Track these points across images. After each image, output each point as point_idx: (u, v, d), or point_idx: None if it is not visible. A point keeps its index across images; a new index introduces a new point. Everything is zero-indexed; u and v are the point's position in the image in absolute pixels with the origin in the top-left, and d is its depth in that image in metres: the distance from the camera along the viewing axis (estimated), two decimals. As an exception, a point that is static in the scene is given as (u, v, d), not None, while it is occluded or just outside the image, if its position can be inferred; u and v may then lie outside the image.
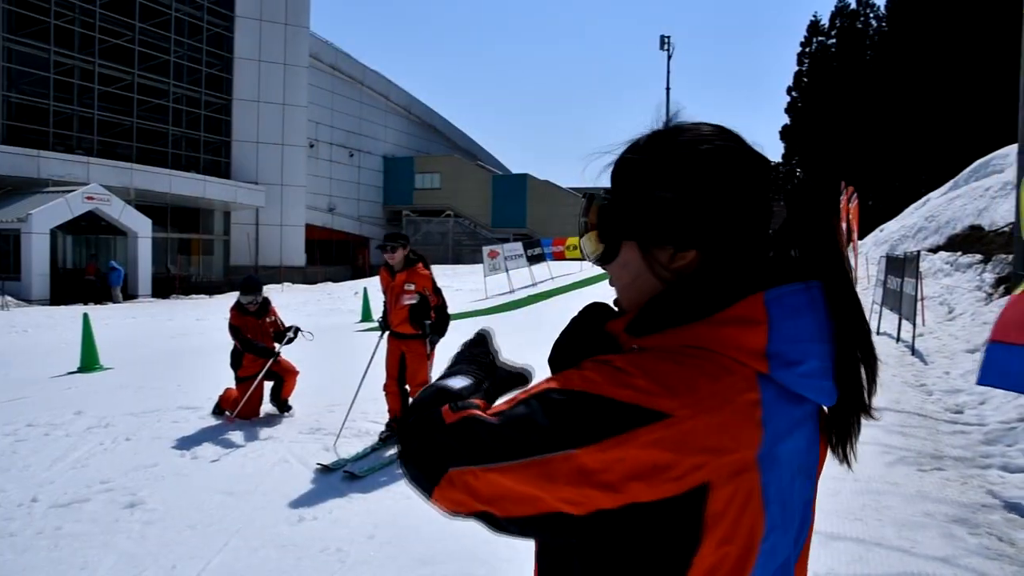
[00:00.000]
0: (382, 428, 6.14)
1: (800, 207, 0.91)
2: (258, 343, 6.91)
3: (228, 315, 7.06)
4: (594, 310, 0.99)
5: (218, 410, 6.88)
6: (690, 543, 0.79)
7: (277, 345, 7.06)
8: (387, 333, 6.14)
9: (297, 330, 7.19)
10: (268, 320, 7.10)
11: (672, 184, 0.88)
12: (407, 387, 6.10)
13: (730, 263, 0.88)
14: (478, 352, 1.07)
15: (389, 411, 6.15)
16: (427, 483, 0.83)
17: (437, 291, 6.03)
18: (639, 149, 0.93)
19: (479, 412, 0.84)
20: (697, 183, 0.88)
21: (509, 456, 0.78)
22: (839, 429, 0.93)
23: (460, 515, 0.84)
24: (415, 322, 5.83)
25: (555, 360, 0.97)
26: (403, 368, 6.05)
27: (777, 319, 0.83)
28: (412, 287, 5.88)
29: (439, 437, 0.83)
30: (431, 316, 5.89)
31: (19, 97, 27.31)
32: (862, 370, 0.90)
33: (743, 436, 0.79)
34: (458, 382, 0.96)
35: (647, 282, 0.91)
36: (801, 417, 0.87)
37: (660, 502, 0.76)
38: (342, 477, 5.11)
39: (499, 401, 0.88)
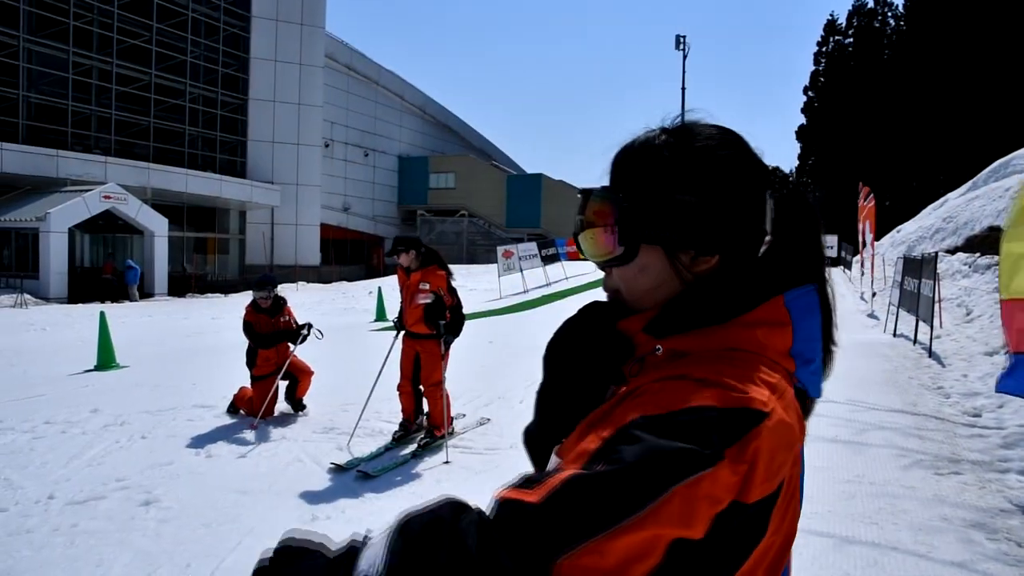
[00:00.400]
0: (395, 428, 6.15)
1: (789, 212, 0.93)
2: (268, 334, 6.94)
3: (243, 313, 7.10)
4: (595, 309, 0.98)
5: (233, 409, 6.92)
6: (757, 537, 0.77)
7: (292, 345, 7.09)
8: (402, 333, 6.15)
9: (310, 326, 7.21)
10: (282, 320, 7.12)
11: (694, 188, 0.88)
12: (421, 388, 6.11)
13: (750, 265, 0.90)
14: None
15: (402, 411, 6.16)
16: None
17: (452, 291, 6.03)
18: (655, 150, 0.91)
19: (572, 470, 0.68)
20: (717, 187, 0.88)
21: (645, 500, 0.65)
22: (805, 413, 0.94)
23: None
24: (429, 322, 5.81)
25: (553, 359, 0.96)
26: (417, 369, 6.07)
27: (797, 320, 0.86)
28: (427, 287, 5.87)
29: (530, 525, 0.64)
30: (446, 316, 5.87)
31: (39, 97, 27.58)
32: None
33: (798, 430, 0.81)
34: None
35: (669, 285, 0.91)
36: None
37: (757, 503, 0.73)
38: (355, 476, 5.13)
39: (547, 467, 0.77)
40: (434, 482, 5.05)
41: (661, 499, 0.65)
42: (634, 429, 0.71)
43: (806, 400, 0.91)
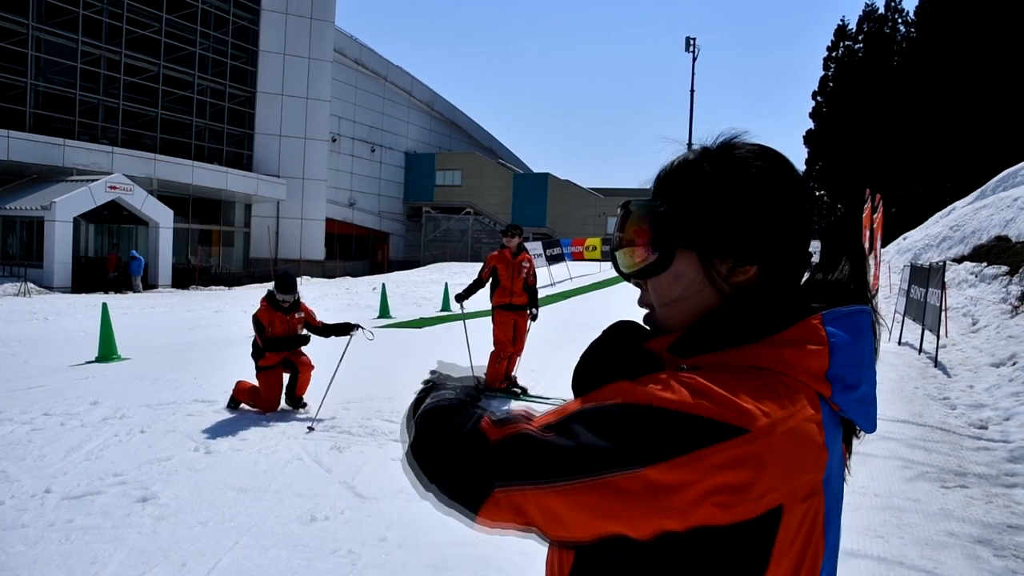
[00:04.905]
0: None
1: (838, 238, 0.92)
2: (280, 337, 6.87)
3: (257, 307, 7.00)
4: (623, 328, 0.94)
5: (233, 403, 6.88)
6: (755, 572, 0.74)
7: (343, 337, 7.14)
8: (498, 308, 7.69)
9: (359, 327, 7.12)
10: (298, 316, 7.05)
11: (734, 197, 0.87)
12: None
13: (787, 282, 0.88)
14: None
15: (507, 371, 7.68)
16: (470, 503, 0.80)
17: (534, 274, 7.86)
18: (694, 164, 0.91)
19: (528, 427, 0.79)
20: (759, 198, 0.87)
21: (567, 475, 0.73)
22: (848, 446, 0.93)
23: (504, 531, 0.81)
24: (529, 290, 7.68)
25: (581, 382, 0.92)
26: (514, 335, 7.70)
27: (837, 342, 0.81)
28: (527, 265, 7.71)
29: (483, 455, 0.79)
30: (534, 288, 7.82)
31: (46, 86, 27.61)
32: None
33: (813, 458, 0.77)
34: (458, 396, 0.92)
35: (702, 296, 0.88)
36: (839, 441, 0.85)
37: (733, 526, 0.71)
38: (355, 476, 5.08)
39: (539, 414, 0.84)
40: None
41: (579, 481, 0.73)
42: (590, 411, 0.77)
43: (853, 432, 0.88)
